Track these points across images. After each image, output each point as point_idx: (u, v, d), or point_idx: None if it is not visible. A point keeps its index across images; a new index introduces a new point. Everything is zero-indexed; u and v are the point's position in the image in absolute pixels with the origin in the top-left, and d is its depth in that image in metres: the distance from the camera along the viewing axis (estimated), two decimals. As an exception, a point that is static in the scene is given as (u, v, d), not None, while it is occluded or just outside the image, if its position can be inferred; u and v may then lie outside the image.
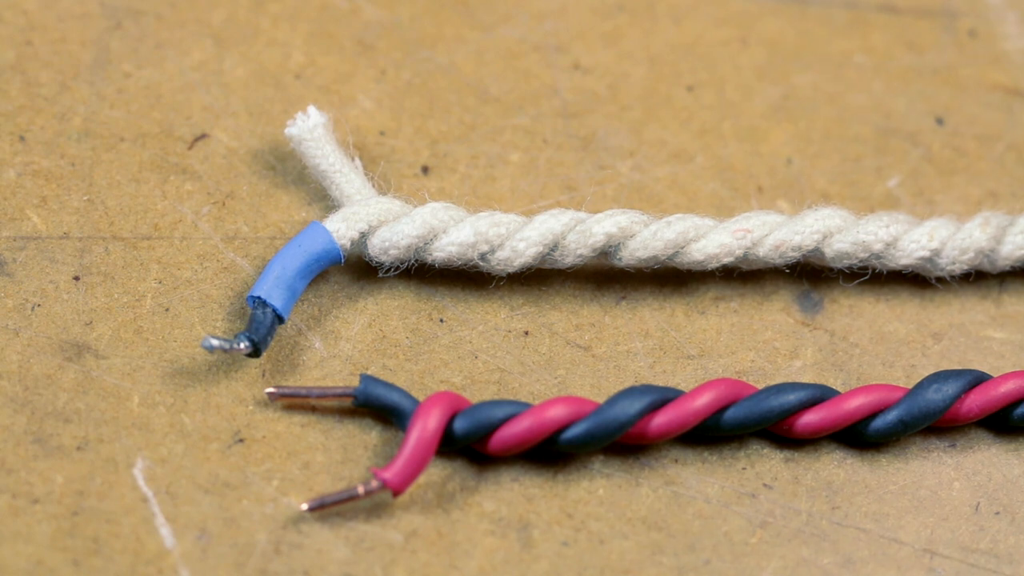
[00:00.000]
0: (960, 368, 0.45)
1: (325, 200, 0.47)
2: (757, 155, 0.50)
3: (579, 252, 0.45)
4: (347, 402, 0.43)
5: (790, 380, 0.46)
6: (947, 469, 0.45)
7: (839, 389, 0.45)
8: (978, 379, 0.45)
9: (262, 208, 0.47)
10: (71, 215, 0.46)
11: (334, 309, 0.45)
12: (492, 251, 0.45)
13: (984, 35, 0.53)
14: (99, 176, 0.47)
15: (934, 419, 0.44)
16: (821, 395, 0.44)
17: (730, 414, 0.43)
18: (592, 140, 0.49)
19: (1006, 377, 0.45)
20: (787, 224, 0.46)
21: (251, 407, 0.43)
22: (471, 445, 0.43)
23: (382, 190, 0.47)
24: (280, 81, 0.49)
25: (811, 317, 0.47)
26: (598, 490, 0.43)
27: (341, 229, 0.45)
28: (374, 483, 0.41)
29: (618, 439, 0.43)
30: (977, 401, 0.44)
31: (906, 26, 0.53)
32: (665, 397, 0.43)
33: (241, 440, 0.43)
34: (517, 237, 0.45)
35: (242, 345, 0.42)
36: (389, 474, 0.41)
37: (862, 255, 0.46)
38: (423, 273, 0.46)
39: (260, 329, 0.43)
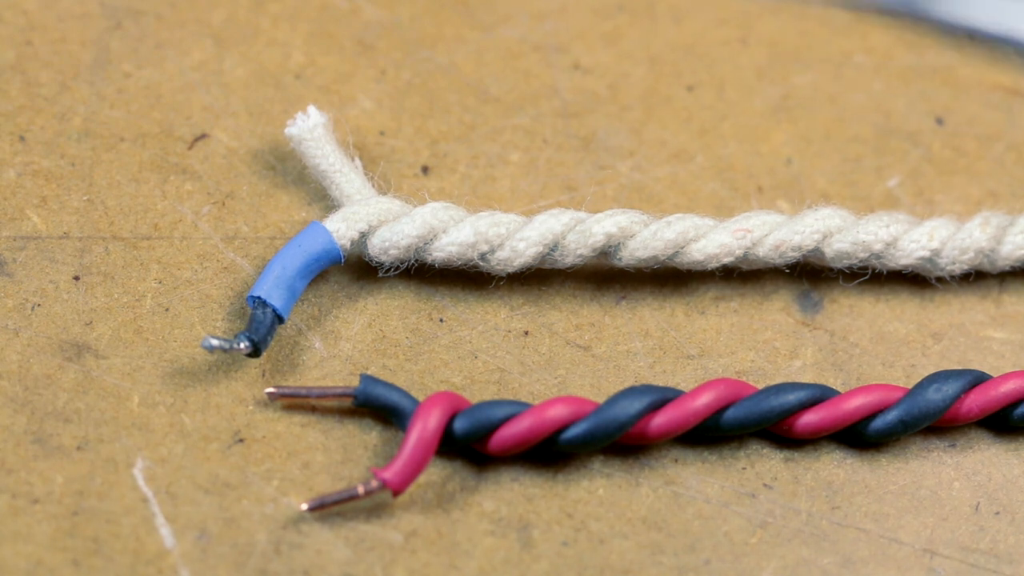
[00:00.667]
0: (960, 368, 0.45)
1: (325, 200, 0.47)
2: (757, 155, 0.50)
3: (579, 252, 0.45)
4: (347, 402, 0.43)
5: (790, 380, 0.46)
6: (947, 469, 0.45)
7: (839, 389, 0.45)
8: (978, 379, 0.45)
9: (262, 208, 0.47)
10: (71, 215, 0.46)
11: (334, 309, 0.45)
12: (492, 251, 0.45)
13: (984, 35, 0.53)
14: (99, 176, 0.47)
15: (934, 419, 0.44)
16: (821, 395, 0.44)
17: (730, 414, 0.43)
18: (592, 140, 0.49)
19: (1006, 377, 0.45)
20: (787, 224, 0.46)
21: (251, 407, 0.43)
22: (471, 445, 0.43)
23: (382, 190, 0.47)
24: (280, 81, 0.49)
25: (811, 317, 0.47)
26: (598, 490, 0.43)
27: (341, 229, 0.45)
28: (374, 483, 0.41)
29: (618, 439, 0.43)
30: (977, 401, 0.44)
31: (906, 26, 0.53)
32: (665, 397, 0.43)
33: (241, 440, 0.43)
34: (517, 237, 0.45)
35: (242, 345, 0.42)
36: (389, 474, 0.41)
37: (862, 255, 0.46)
38: (423, 273, 0.46)
39: (260, 329, 0.43)
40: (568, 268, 0.46)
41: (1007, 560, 0.43)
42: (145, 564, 0.40)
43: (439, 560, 0.41)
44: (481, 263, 0.45)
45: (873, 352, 0.46)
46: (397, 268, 0.46)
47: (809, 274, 0.48)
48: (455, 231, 0.45)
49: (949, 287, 0.48)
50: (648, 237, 0.45)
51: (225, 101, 0.49)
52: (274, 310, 0.43)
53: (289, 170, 0.48)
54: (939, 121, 0.51)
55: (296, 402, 0.43)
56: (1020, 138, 0.51)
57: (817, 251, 0.46)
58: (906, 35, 0.53)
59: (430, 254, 0.45)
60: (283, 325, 0.44)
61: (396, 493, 0.41)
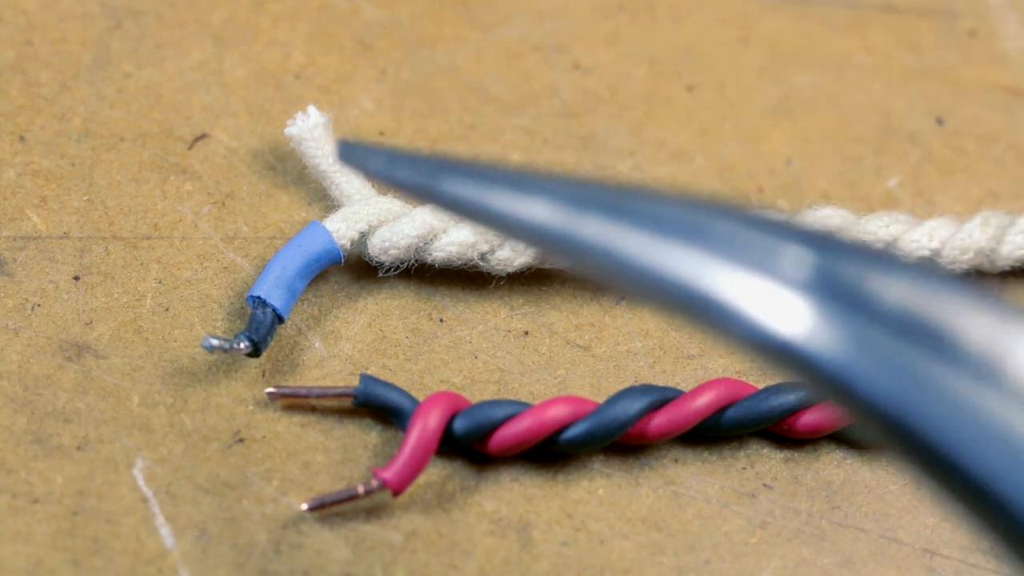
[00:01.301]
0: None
1: (325, 200, 0.47)
2: (757, 155, 0.50)
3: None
4: (347, 402, 0.43)
5: (790, 380, 0.46)
6: (947, 469, 0.45)
7: (839, 389, 0.45)
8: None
9: (262, 208, 0.47)
10: (71, 215, 0.46)
11: (334, 309, 0.45)
12: (492, 251, 0.45)
13: (984, 35, 0.53)
14: (99, 176, 0.47)
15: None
16: (821, 395, 0.44)
17: (730, 414, 0.43)
18: (592, 140, 0.49)
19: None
20: (787, 224, 0.46)
21: (251, 407, 0.43)
22: (471, 445, 0.43)
23: (382, 190, 0.47)
24: (280, 81, 0.49)
25: (811, 317, 0.47)
26: (598, 490, 0.43)
27: (341, 229, 0.45)
28: (374, 483, 0.41)
29: (618, 439, 0.43)
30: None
31: (906, 26, 0.53)
32: (665, 397, 0.43)
33: (241, 440, 0.43)
34: (517, 237, 0.45)
35: (242, 345, 0.42)
36: (389, 474, 0.41)
37: (862, 255, 0.46)
38: (423, 273, 0.46)
39: (260, 329, 0.43)
40: (569, 268, 0.46)
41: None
42: (145, 564, 0.40)
43: (439, 560, 0.41)
44: (481, 263, 0.45)
45: (873, 352, 0.46)
46: (397, 268, 0.46)
47: (809, 274, 0.48)
48: (455, 231, 0.45)
49: (949, 287, 0.48)
50: (648, 237, 0.45)
51: (225, 101, 0.49)
52: (274, 310, 0.43)
53: (289, 170, 0.48)
54: (939, 121, 0.51)
55: (296, 402, 0.43)
56: (1020, 138, 0.51)
57: (817, 251, 0.46)
58: (906, 35, 0.53)
59: (430, 254, 0.45)
60: (283, 325, 0.44)
61: (396, 493, 0.41)
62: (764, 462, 0.44)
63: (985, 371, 0.26)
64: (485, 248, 0.45)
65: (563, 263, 0.32)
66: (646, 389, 0.43)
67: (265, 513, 0.42)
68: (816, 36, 0.53)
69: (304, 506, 0.41)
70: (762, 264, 0.28)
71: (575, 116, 0.50)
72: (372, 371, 0.44)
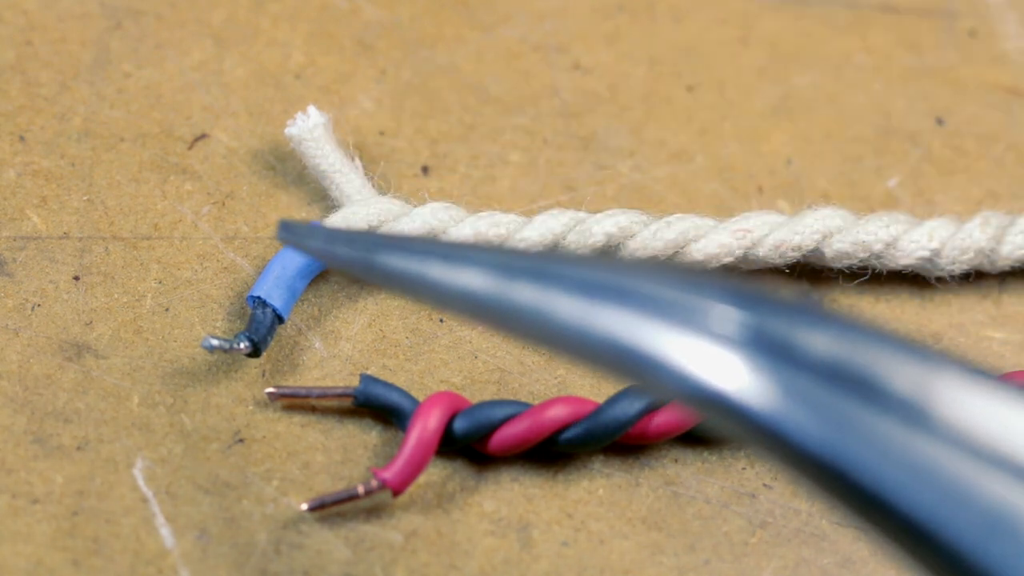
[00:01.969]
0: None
1: (325, 200, 0.47)
2: (757, 155, 0.50)
3: (579, 252, 0.45)
4: (347, 402, 0.43)
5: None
6: (947, 469, 0.45)
7: (839, 389, 0.45)
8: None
9: (262, 208, 0.47)
10: (71, 215, 0.46)
11: (334, 309, 0.45)
12: (492, 251, 0.45)
13: (984, 35, 0.53)
14: (99, 176, 0.47)
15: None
16: (821, 395, 0.44)
17: (730, 414, 0.43)
18: (592, 140, 0.49)
19: (1006, 377, 0.45)
20: (787, 224, 0.46)
21: (251, 407, 0.43)
22: (471, 445, 0.43)
23: (382, 190, 0.47)
24: (280, 81, 0.49)
25: (811, 317, 0.47)
26: (598, 490, 0.43)
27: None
28: (374, 483, 0.41)
29: (618, 439, 0.43)
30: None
31: (906, 26, 0.53)
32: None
33: (241, 440, 0.43)
34: (517, 237, 0.45)
35: (242, 345, 0.42)
36: (389, 474, 0.41)
37: (862, 255, 0.46)
38: (423, 273, 0.46)
39: (260, 329, 0.43)
40: (568, 268, 0.46)
41: (1007, 560, 0.43)
42: (145, 564, 0.40)
43: (439, 560, 0.41)
44: (481, 263, 0.45)
45: (873, 352, 0.46)
46: (397, 268, 0.46)
47: (809, 274, 0.48)
48: (455, 231, 0.45)
49: (949, 287, 0.48)
50: (648, 237, 0.45)
51: (225, 101, 0.49)
52: (274, 310, 0.43)
53: (289, 170, 0.48)
54: (939, 121, 0.51)
55: (296, 402, 0.43)
56: (1020, 138, 0.51)
57: (817, 251, 0.46)
58: (906, 35, 0.53)
59: (430, 254, 0.45)
60: (283, 325, 0.44)
61: (396, 493, 0.41)
62: (764, 462, 0.44)
63: (913, 414, 0.27)
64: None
65: (498, 331, 0.33)
66: (646, 389, 0.43)
67: (265, 513, 0.42)
68: (816, 36, 0.53)
69: (304, 506, 0.41)
70: (691, 321, 0.29)
71: (575, 116, 0.50)
72: (372, 371, 0.44)
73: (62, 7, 0.50)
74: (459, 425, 0.42)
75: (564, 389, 0.45)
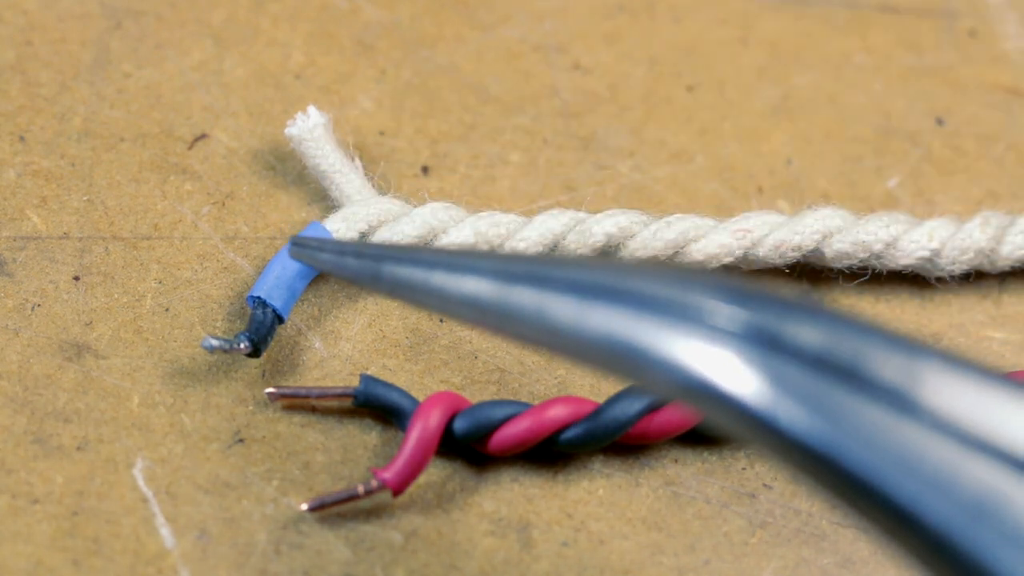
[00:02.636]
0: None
1: (325, 200, 0.47)
2: (757, 155, 0.50)
3: (579, 252, 0.45)
4: (347, 402, 0.43)
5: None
6: (947, 469, 0.45)
7: (839, 389, 0.45)
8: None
9: (262, 208, 0.47)
10: (71, 215, 0.46)
11: (334, 309, 0.45)
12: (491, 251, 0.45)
13: (984, 35, 0.53)
14: (99, 176, 0.47)
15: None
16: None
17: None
18: (592, 140, 0.49)
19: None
20: (787, 224, 0.46)
21: (251, 407, 0.43)
22: (471, 445, 0.43)
23: (382, 190, 0.47)
24: (280, 81, 0.49)
25: (811, 317, 0.47)
26: (598, 490, 0.43)
27: (341, 229, 0.45)
28: (374, 483, 0.41)
29: (618, 439, 0.43)
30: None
31: (906, 26, 0.53)
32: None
33: (241, 440, 0.43)
34: (517, 237, 0.45)
35: (242, 345, 0.42)
36: (389, 474, 0.41)
37: (862, 255, 0.46)
38: (423, 273, 0.46)
39: (260, 329, 0.43)
40: (568, 268, 0.46)
41: (1007, 560, 0.43)
42: (145, 564, 0.40)
43: (439, 560, 0.41)
44: (481, 263, 0.45)
45: (873, 352, 0.46)
46: (397, 268, 0.46)
47: (809, 274, 0.48)
48: (455, 231, 0.45)
49: (949, 287, 0.48)
50: (648, 237, 0.45)
51: (225, 101, 0.49)
52: (274, 310, 0.43)
53: (289, 170, 0.48)
54: (939, 121, 0.51)
55: (296, 402, 0.43)
56: (1020, 138, 0.51)
57: (817, 251, 0.46)
58: (906, 35, 0.53)
59: (430, 254, 0.45)
60: (283, 325, 0.44)
61: (396, 493, 0.41)
62: (764, 462, 0.44)
63: (899, 402, 0.28)
64: (485, 248, 0.45)
65: (501, 334, 0.34)
66: (646, 389, 0.43)
67: (265, 513, 0.42)
68: (816, 36, 0.53)
69: (304, 506, 0.41)
70: (683, 317, 0.30)
71: (575, 116, 0.50)
72: (372, 371, 0.44)
73: (62, 7, 0.50)
74: (459, 425, 0.42)
75: (564, 389, 0.45)
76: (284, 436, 0.43)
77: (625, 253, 0.45)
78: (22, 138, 0.47)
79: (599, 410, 0.42)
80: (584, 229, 0.45)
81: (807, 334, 0.29)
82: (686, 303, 0.30)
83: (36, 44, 0.49)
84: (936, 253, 0.47)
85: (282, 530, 0.41)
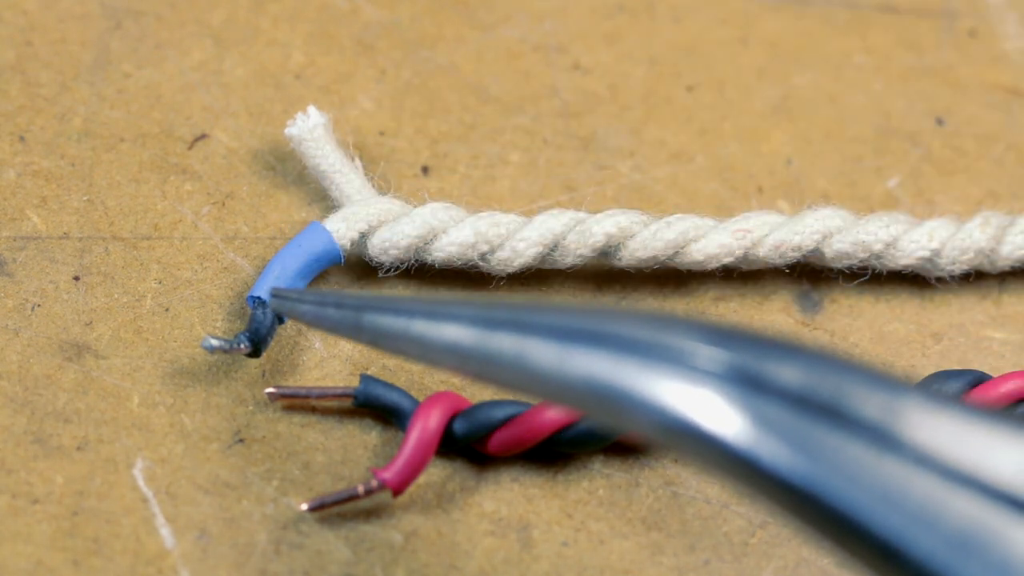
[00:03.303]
0: (960, 368, 0.45)
1: (325, 200, 0.47)
2: (757, 155, 0.50)
3: (579, 252, 0.45)
4: (347, 402, 0.43)
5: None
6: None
7: (839, 389, 0.45)
8: (979, 379, 0.45)
9: (262, 208, 0.47)
10: (71, 215, 0.46)
11: (334, 309, 0.45)
12: (492, 251, 0.45)
13: (984, 35, 0.53)
14: (99, 176, 0.47)
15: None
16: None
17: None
18: (592, 140, 0.49)
19: (1006, 377, 0.45)
20: (787, 224, 0.46)
21: (251, 407, 0.43)
22: (471, 445, 0.43)
23: (382, 190, 0.47)
24: (280, 81, 0.49)
25: (811, 317, 0.47)
26: (598, 490, 0.43)
27: (341, 229, 0.45)
28: (374, 483, 0.41)
29: (618, 439, 0.43)
30: (978, 400, 0.44)
31: (906, 26, 0.53)
32: (665, 397, 0.43)
33: (241, 440, 0.43)
34: (517, 237, 0.45)
35: (242, 345, 0.42)
36: (389, 474, 0.41)
37: (862, 255, 0.46)
38: (423, 273, 0.46)
39: (260, 329, 0.43)
40: (568, 268, 0.46)
41: (1007, 560, 0.43)
42: (145, 564, 0.40)
43: (439, 560, 0.41)
44: (481, 263, 0.45)
45: (873, 352, 0.46)
46: (397, 268, 0.46)
47: (809, 274, 0.48)
48: (455, 231, 0.45)
49: (949, 287, 0.48)
50: (648, 237, 0.45)
51: (225, 101, 0.49)
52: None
53: (289, 170, 0.48)
54: (939, 121, 0.51)
55: (296, 402, 0.43)
56: (1020, 138, 0.51)
57: (817, 251, 0.46)
58: (906, 35, 0.53)
59: (430, 254, 0.45)
60: (283, 325, 0.44)
61: (396, 493, 0.41)
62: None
63: (881, 438, 0.28)
64: (485, 248, 0.45)
65: (483, 381, 0.35)
66: (646, 389, 0.43)
67: (265, 513, 0.42)
68: (816, 36, 0.53)
69: (304, 506, 0.41)
70: (663, 359, 0.30)
71: (575, 116, 0.50)
72: (372, 371, 0.44)
73: (62, 7, 0.50)
74: (459, 425, 0.42)
75: (564, 389, 0.45)
76: (284, 436, 0.43)
77: (625, 253, 0.45)
78: (22, 138, 0.47)
79: (599, 410, 0.42)
80: (584, 229, 0.45)
81: (788, 373, 0.29)
82: (667, 345, 0.30)
83: (36, 44, 0.49)
84: (936, 253, 0.47)
85: (282, 530, 0.41)
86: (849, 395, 0.28)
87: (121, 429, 0.42)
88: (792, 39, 0.53)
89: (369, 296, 0.38)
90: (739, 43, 0.52)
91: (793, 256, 0.46)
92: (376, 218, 0.45)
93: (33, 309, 0.44)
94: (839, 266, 0.47)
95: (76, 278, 0.45)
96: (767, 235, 0.46)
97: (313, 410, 0.43)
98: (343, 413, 0.44)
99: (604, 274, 0.47)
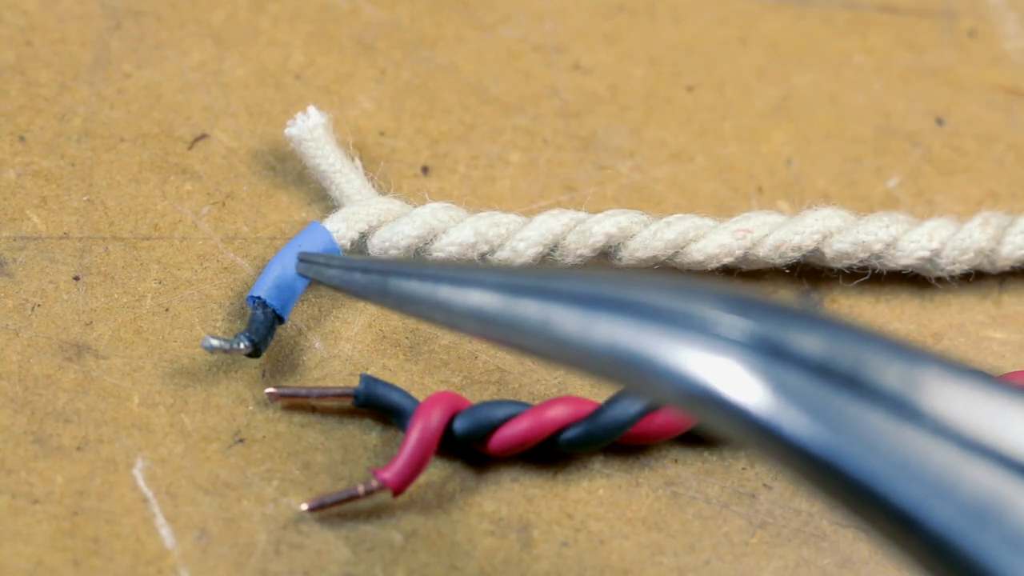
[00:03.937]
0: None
1: (325, 200, 0.47)
2: (757, 155, 0.50)
3: (579, 252, 0.45)
4: (347, 402, 0.43)
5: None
6: (947, 469, 0.45)
7: (839, 389, 0.45)
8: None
9: (262, 208, 0.47)
10: (71, 215, 0.46)
11: (334, 309, 0.45)
12: (492, 251, 0.45)
13: (984, 35, 0.53)
14: (99, 176, 0.47)
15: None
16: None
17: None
18: (592, 140, 0.49)
19: (1006, 377, 0.45)
20: (787, 224, 0.46)
21: (251, 407, 0.43)
22: (471, 445, 0.43)
23: (382, 190, 0.47)
24: (280, 81, 0.49)
25: (811, 317, 0.47)
26: (598, 490, 0.43)
27: (341, 229, 0.45)
28: (374, 483, 0.41)
29: (618, 439, 0.43)
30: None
31: (906, 26, 0.53)
32: (665, 397, 0.43)
33: (241, 440, 0.43)
34: (517, 237, 0.45)
35: (242, 345, 0.42)
36: (389, 474, 0.41)
37: (862, 255, 0.46)
38: (423, 273, 0.46)
39: (260, 329, 0.43)
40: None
41: (1007, 560, 0.43)
42: (145, 564, 0.40)
43: (439, 560, 0.41)
44: (481, 263, 0.45)
45: (873, 352, 0.46)
46: (397, 268, 0.46)
47: (809, 274, 0.48)
48: (455, 231, 0.45)
49: (949, 287, 0.48)
50: (648, 237, 0.45)
51: (225, 101, 0.49)
52: (274, 310, 0.43)
53: (289, 170, 0.48)
54: (939, 121, 0.51)
55: (296, 402, 0.43)
56: (1020, 138, 0.51)
57: (817, 251, 0.46)
58: (906, 35, 0.53)
59: (430, 254, 0.45)
60: (283, 325, 0.44)
61: (396, 493, 0.41)
62: (762, 462, 0.44)
63: (901, 408, 0.28)
64: (485, 248, 0.45)
65: (506, 347, 0.35)
66: (646, 389, 0.43)
67: (265, 513, 0.42)
68: (816, 36, 0.53)
69: (304, 506, 0.41)
70: (686, 327, 0.30)
71: (575, 116, 0.50)
72: (372, 371, 0.44)
73: (62, 7, 0.50)
74: (459, 425, 0.42)
75: (564, 389, 0.45)
76: (284, 436, 0.43)
77: (625, 253, 0.45)
78: (22, 138, 0.47)
79: (599, 410, 0.42)
80: (584, 229, 0.45)
81: (809, 342, 0.29)
82: (690, 313, 0.30)
83: (36, 44, 0.49)
84: (936, 253, 0.47)
85: (282, 530, 0.41)
86: (869, 365, 0.29)
87: (121, 429, 0.42)
88: (792, 39, 0.53)
89: (395, 262, 0.38)
90: (739, 43, 0.52)
91: (793, 256, 0.46)
92: (376, 218, 0.45)
93: (33, 309, 0.44)
94: (839, 266, 0.47)
95: (76, 278, 0.45)
96: (767, 235, 0.46)
97: (313, 410, 0.43)
98: (343, 413, 0.44)
99: (604, 274, 0.47)
